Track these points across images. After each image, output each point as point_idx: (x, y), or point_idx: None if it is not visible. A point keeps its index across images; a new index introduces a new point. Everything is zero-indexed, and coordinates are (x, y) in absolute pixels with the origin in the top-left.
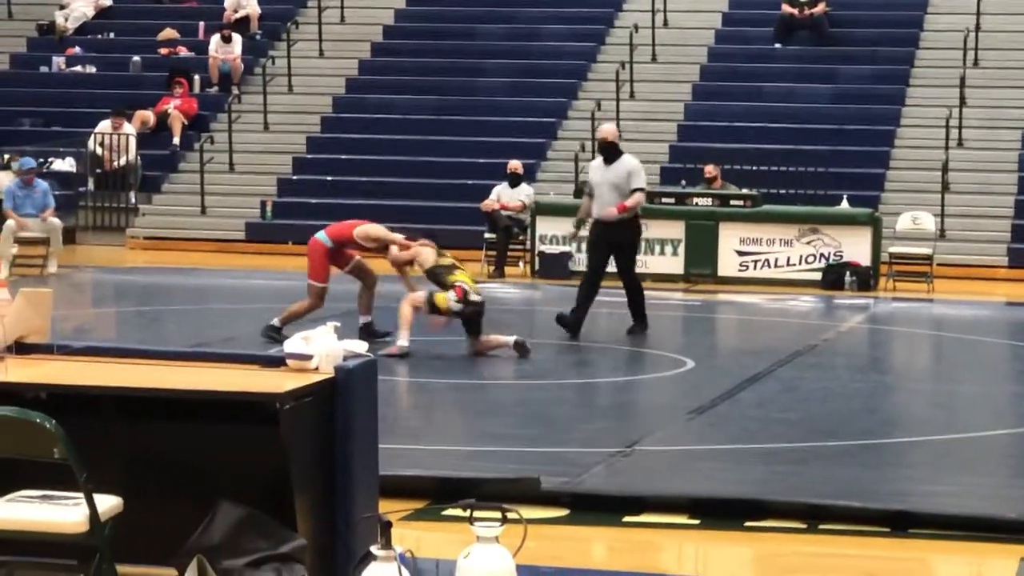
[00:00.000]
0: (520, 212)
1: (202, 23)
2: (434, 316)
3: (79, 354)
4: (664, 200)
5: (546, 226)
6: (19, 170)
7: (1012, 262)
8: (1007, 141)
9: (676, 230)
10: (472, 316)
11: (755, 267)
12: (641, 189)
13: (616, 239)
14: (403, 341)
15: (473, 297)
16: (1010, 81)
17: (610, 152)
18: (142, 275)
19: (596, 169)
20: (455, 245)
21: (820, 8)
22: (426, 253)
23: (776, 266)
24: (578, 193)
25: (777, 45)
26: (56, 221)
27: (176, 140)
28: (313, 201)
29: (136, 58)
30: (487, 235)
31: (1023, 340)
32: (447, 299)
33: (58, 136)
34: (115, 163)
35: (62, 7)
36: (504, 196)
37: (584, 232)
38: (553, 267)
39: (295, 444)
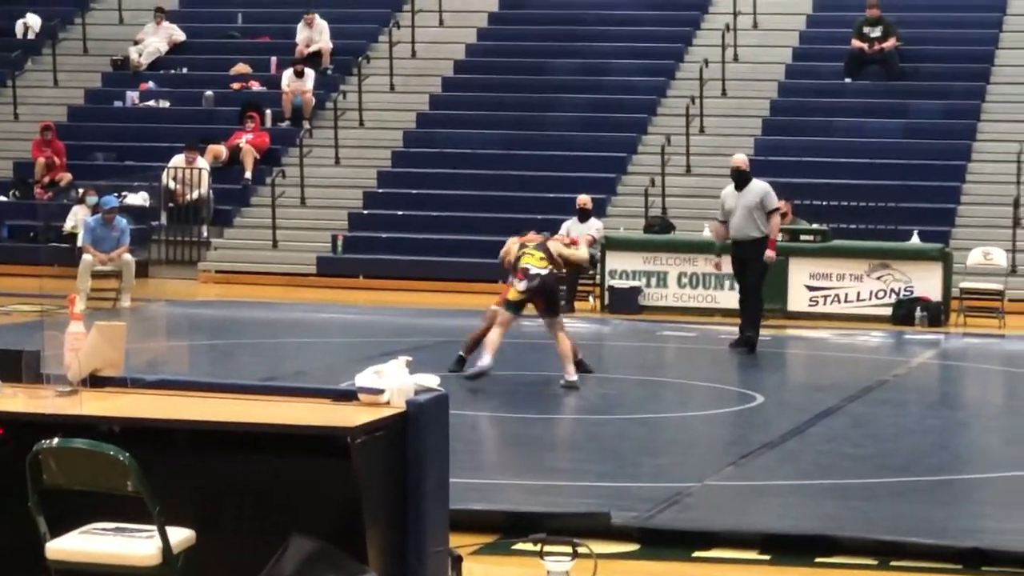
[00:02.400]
0: (591, 247)
1: (274, 58)
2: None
3: (152, 387)
4: None
5: (616, 261)
6: (101, 208)
7: None
8: None
9: None
10: (538, 292)
11: (825, 302)
12: (777, 210)
13: (748, 256)
14: (483, 361)
15: (533, 271)
16: None
17: (742, 178)
18: (214, 308)
19: (729, 196)
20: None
21: (890, 43)
22: (507, 246)
23: (846, 301)
24: (648, 228)
25: (847, 80)
26: (129, 257)
27: (248, 174)
28: (384, 235)
29: (209, 92)
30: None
31: None
32: (514, 288)
33: (132, 171)
34: (188, 197)
35: (136, 42)
36: (574, 231)
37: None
38: (623, 302)
39: (366, 478)
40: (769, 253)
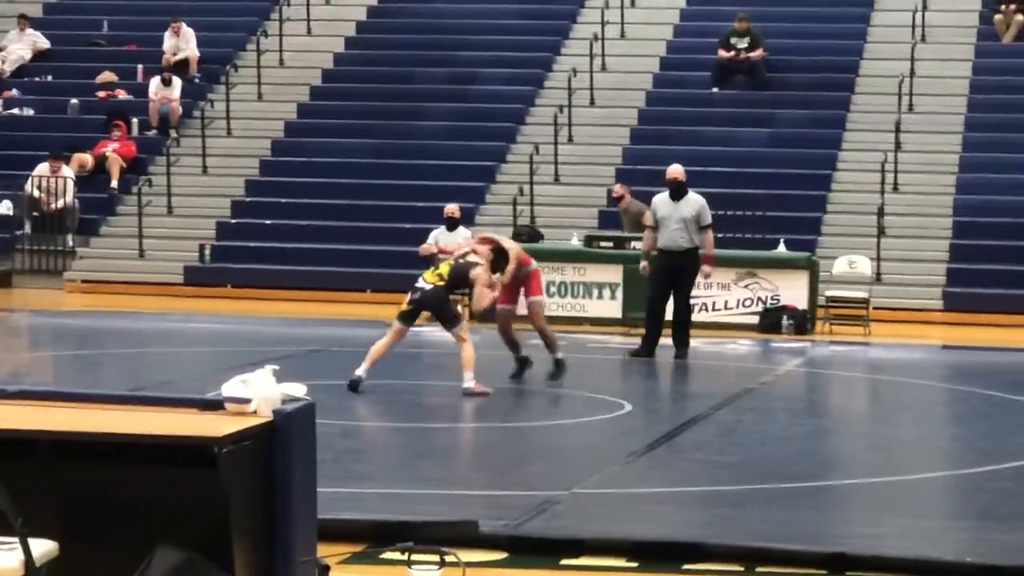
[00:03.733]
0: (460, 256)
1: (141, 66)
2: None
3: (14, 398)
4: (602, 244)
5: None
6: None
7: (947, 305)
8: (942, 186)
9: (614, 274)
10: (420, 306)
11: (693, 311)
12: (712, 225)
13: (680, 268)
14: (358, 370)
15: (418, 285)
16: (944, 126)
17: (679, 189)
18: (79, 318)
19: (663, 204)
20: (393, 288)
21: (757, 53)
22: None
23: (714, 310)
24: (516, 237)
25: (715, 90)
26: None
27: (114, 183)
28: (252, 245)
29: (74, 100)
30: None
31: (959, 383)
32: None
33: None
34: (53, 206)
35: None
36: (442, 240)
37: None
38: (492, 311)
39: (233, 488)
40: (707, 268)
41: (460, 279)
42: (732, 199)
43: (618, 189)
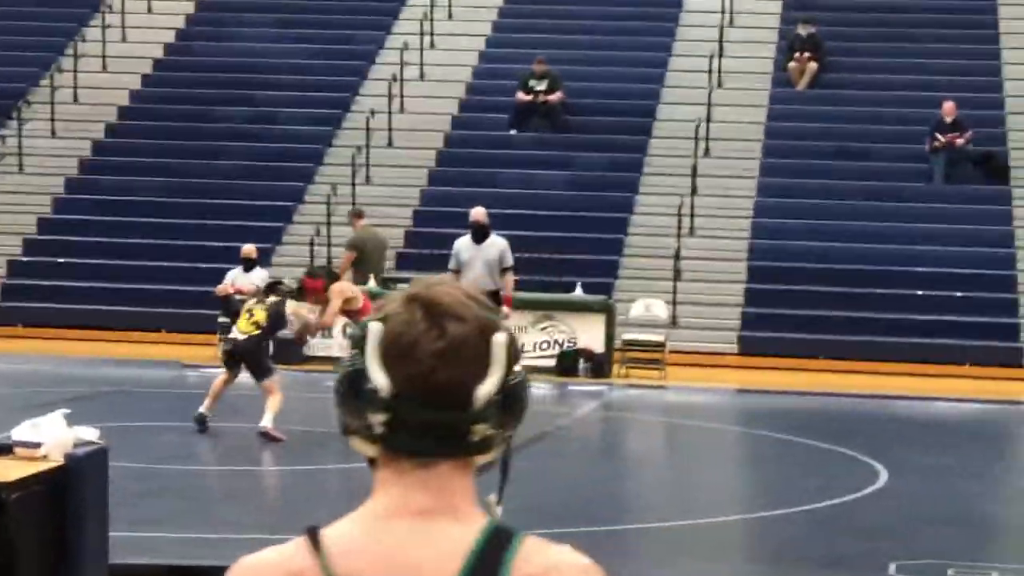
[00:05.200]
0: (255, 295)
1: None
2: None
3: None
4: (399, 285)
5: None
6: None
7: (742, 349)
8: (737, 230)
9: None
10: (234, 355)
11: None
12: (512, 268)
13: None
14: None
15: (231, 335)
16: (739, 171)
17: (481, 232)
18: None
19: (466, 248)
20: (189, 329)
21: (556, 96)
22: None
23: None
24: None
25: (513, 132)
26: None
27: None
28: (45, 283)
29: None
30: (221, 319)
31: (753, 427)
32: None
33: None
34: None
35: None
36: (239, 280)
37: None
38: (288, 352)
39: (22, 534)
40: (506, 309)
41: (278, 319)
42: (530, 241)
43: (352, 218)
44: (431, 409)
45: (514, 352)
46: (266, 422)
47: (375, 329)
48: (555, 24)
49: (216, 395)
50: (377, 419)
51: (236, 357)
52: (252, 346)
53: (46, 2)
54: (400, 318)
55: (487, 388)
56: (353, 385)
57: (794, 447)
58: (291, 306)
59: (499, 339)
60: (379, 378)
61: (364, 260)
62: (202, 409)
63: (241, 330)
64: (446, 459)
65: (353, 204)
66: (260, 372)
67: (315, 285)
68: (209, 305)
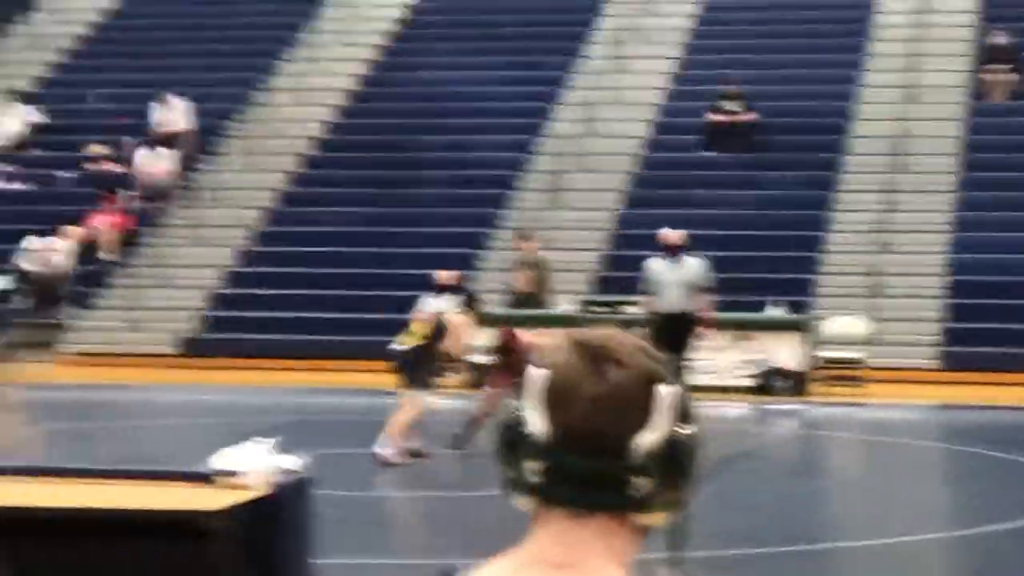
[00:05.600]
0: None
1: (130, 138)
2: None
3: (5, 473)
4: (597, 309)
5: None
6: None
7: (945, 365)
8: (934, 245)
9: None
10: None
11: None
12: (710, 287)
13: (678, 331)
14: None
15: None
16: (937, 186)
17: (675, 252)
18: (72, 392)
19: (660, 269)
20: (384, 356)
21: (748, 116)
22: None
23: (707, 372)
24: (518, 303)
25: (706, 153)
26: None
27: (106, 255)
28: (246, 314)
29: (65, 173)
30: None
31: (956, 443)
32: None
33: None
34: (46, 279)
35: None
36: (434, 309)
37: None
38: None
39: (227, 563)
40: (705, 331)
41: (440, 331)
42: (726, 261)
43: (516, 241)
44: (587, 456)
45: (683, 407)
46: (378, 445)
47: (536, 374)
48: (746, 44)
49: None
50: (533, 467)
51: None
52: (412, 356)
53: (240, 38)
54: (562, 362)
55: (648, 439)
56: (512, 432)
57: (999, 463)
58: (456, 320)
59: (664, 390)
60: (537, 423)
61: (538, 281)
62: (410, 444)
63: (406, 342)
64: (601, 512)
65: (547, 229)
66: (409, 380)
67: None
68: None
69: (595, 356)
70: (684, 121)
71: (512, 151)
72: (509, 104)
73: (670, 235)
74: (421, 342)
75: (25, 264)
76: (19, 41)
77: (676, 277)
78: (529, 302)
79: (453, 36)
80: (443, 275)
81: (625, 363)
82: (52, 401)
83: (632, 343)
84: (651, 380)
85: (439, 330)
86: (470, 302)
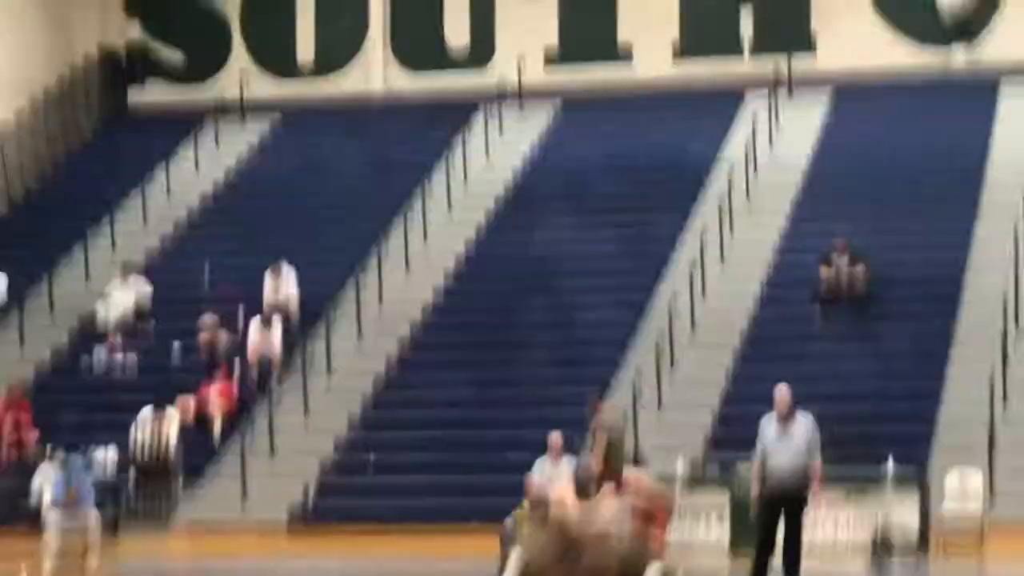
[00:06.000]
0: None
1: (242, 307)
2: None
3: None
4: (709, 469)
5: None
6: (68, 470)
7: None
8: None
9: (721, 499)
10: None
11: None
12: (821, 448)
13: (791, 495)
14: None
15: None
16: None
17: (788, 412)
18: (183, 570)
19: (772, 431)
20: (498, 518)
21: (859, 271)
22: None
23: (823, 528)
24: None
25: (817, 307)
26: (94, 520)
27: (218, 426)
28: (358, 481)
29: (176, 344)
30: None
31: None
32: None
33: (100, 427)
34: (157, 452)
35: (103, 296)
36: (548, 471)
37: None
38: None
39: None
40: (817, 493)
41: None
42: (840, 417)
43: (593, 402)
44: None
45: None
46: None
47: (515, 554)
48: (855, 201)
49: None
50: None
51: None
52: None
53: (349, 207)
54: (538, 544)
55: None
56: None
57: None
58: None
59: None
60: None
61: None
62: None
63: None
64: None
65: (659, 388)
66: None
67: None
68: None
69: (571, 541)
70: (794, 277)
71: (623, 310)
72: (619, 265)
73: (782, 396)
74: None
75: (138, 436)
76: (131, 216)
77: (789, 439)
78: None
79: (561, 197)
80: (556, 438)
81: (600, 551)
82: None
83: (616, 529)
84: (630, 571)
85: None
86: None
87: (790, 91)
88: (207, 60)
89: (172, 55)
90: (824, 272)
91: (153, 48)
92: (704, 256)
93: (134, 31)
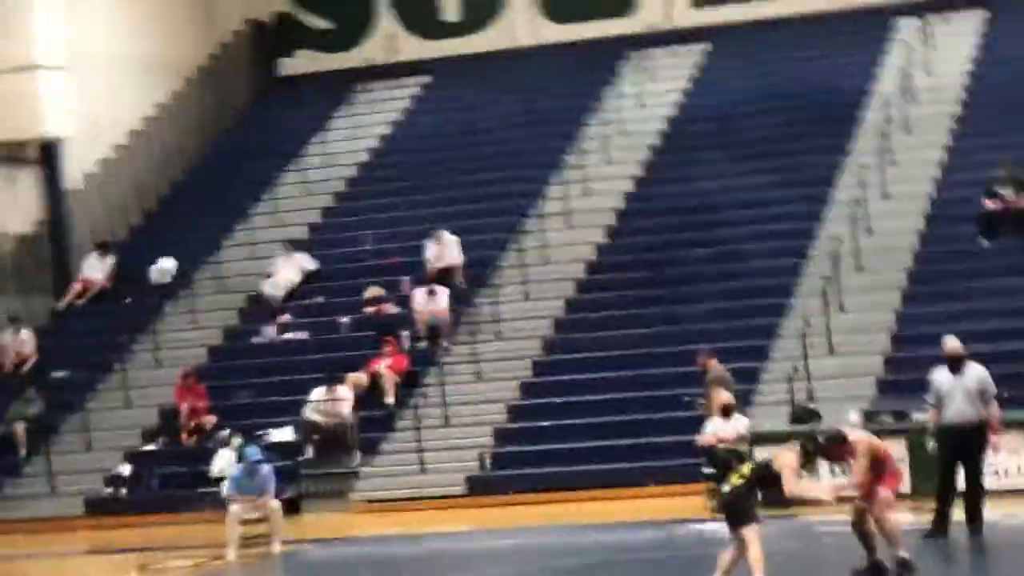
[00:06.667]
0: (739, 444)
1: (407, 278)
2: None
3: None
4: (883, 418)
5: (765, 455)
6: (245, 460)
7: None
8: None
9: (898, 449)
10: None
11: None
12: (996, 394)
13: (968, 442)
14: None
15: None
16: None
17: (958, 363)
18: (367, 547)
19: (945, 379)
20: (671, 480)
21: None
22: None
23: (1006, 476)
24: (795, 419)
25: (984, 242)
26: (275, 504)
27: (390, 399)
28: (531, 449)
29: (345, 319)
30: (706, 470)
31: None
32: None
33: (274, 406)
34: (332, 428)
35: (268, 276)
36: (719, 429)
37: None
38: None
39: None
40: (995, 439)
41: (766, 474)
42: (1016, 356)
43: (702, 359)
44: None
45: None
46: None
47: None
48: (1016, 124)
49: (725, 571)
50: None
51: (725, 513)
52: (733, 498)
53: (504, 166)
54: None
55: None
56: None
57: None
58: (783, 458)
59: None
60: None
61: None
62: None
63: (732, 483)
64: None
65: (828, 335)
66: (739, 520)
67: (843, 451)
68: (693, 454)
69: None
70: (958, 211)
71: (785, 257)
72: (779, 209)
73: (952, 346)
74: (744, 482)
75: (312, 415)
76: (290, 189)
77: (962, 388)
78: None
79: (716, 145)
80: (725, 396)
81: None
82: (346, 560)
83: None
84: None
85: (766, 472)
86: (804, 440)
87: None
88: (353, 25)
89: (319, 23)
90: (988, 203)
91: (299, 17)
92: (866, 192)
93: (279, 2)
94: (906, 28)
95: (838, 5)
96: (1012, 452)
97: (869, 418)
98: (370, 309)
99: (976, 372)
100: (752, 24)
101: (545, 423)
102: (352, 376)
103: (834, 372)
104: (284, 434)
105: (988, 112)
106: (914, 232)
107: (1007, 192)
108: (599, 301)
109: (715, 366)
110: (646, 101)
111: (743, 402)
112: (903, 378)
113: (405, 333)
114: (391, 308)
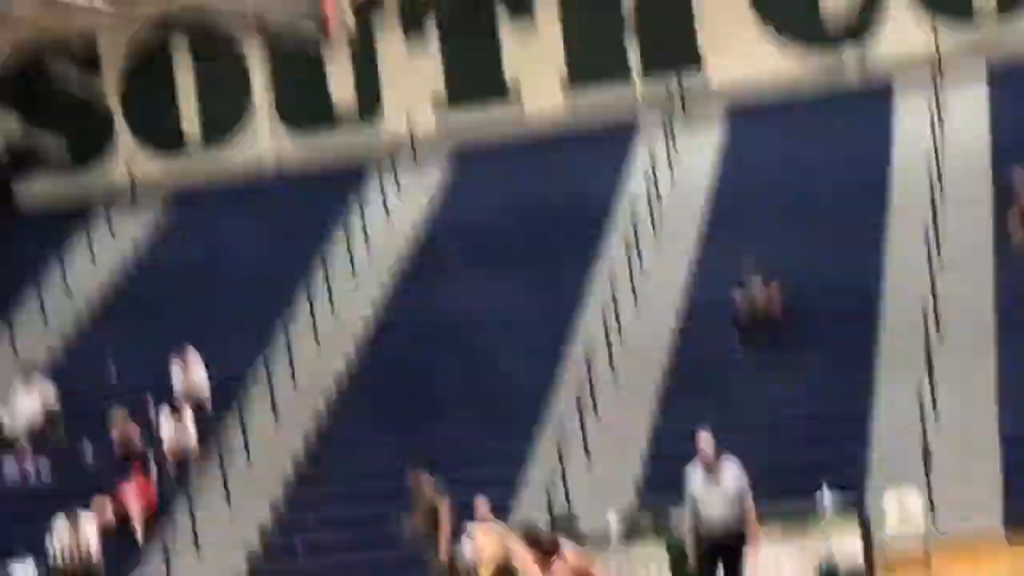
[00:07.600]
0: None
1: (150, 397)
2: None
3: None
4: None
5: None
6: None
7: (1009, 528)
8: (983, 407)
9: (659, 549)
10: None
11: None
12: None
13: (728, 545)
14: None
15: None
16: (974, 352)
17: (715, 459)
18: None
19: (699, 483)
20: None
21: (774, 296)
22: None
23: (765, 571)
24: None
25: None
26: None
27: (138, 525)
28: (288, 566)
29: (88, 447)
30: None
31: None
32: None
33: (16, 540)
34: (79, 559)
35: (6, 404)
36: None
37: None
38: None
39: None
40: (754, 541)
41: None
42: (771, 451)
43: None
44: None
45: None
46: None
47: None
48: (760, 222)
49: None
50: None
51: None
52: None
53: (253, 289)
54: None
55: None
56: None
57: None
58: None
59: None
60: None
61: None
62: None
63: None
64: None
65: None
66: None
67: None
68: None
69: None
70: (709, 307)
71: (539, 361)
72: (529, 316)
73: (705, 448)
74: None
75: (56, 545)
76: (29, 315)
77: (717, 487)
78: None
79: (463, 256)
80: (482, 507)
81: None
82: None
83: None
84: None
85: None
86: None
87: (683, 109)
88: (90, 144)
89: (54, 143)
90: (738, 297)
91: (34, 138)
92: (616, 296)
93: (12, 123)
94: (651, 131)
95: (584, 105)
96: (771, 546)
97: (629, 522)
98: (115, 433)
99: (732, 467)
100: (498, 128)
101: (298, 539)
102: (97, 502)
103: (593, 477)
104: (26, 569)
105: (731, 214)
106: (666, 331)
107: (755, 286)
108: (353, 414)
109: (426, 482)
110: (394, 213)
111: (501, 510)
112: (664, 477)
113: (152, 457)
114: (137, 431)
